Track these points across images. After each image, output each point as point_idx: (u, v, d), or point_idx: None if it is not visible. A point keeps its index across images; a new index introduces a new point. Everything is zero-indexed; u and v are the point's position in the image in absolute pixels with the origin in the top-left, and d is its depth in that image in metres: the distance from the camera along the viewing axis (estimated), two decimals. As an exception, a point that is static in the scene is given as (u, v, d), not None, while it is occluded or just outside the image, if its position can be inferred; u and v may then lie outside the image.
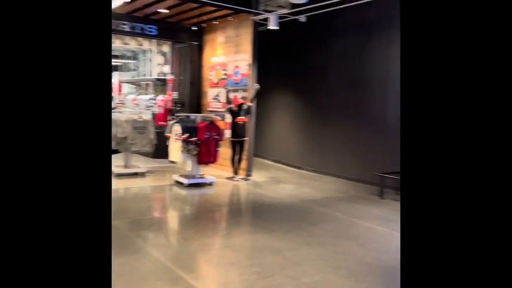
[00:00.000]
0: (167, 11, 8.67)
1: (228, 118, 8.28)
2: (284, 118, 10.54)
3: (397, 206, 6.48)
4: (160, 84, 10.75)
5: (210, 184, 7.57)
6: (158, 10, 8.60)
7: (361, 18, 8.22)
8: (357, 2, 7.37)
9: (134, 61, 13.84)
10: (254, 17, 8.25)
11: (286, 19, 8.49)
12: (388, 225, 5.37)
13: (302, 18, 8.35)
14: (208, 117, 7.90)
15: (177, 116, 7.82)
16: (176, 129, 7.34)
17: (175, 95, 10.21)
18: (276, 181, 8.38)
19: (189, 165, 7.60)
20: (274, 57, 10.29)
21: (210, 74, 9.81)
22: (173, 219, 5.82)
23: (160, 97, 10.12)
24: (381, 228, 5.21)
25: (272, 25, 7.80)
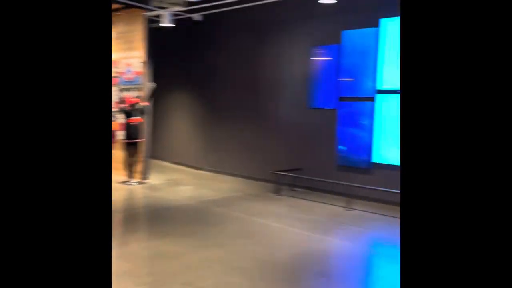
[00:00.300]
0: (47, 1, 7.86)
1: (121, 118, 7.83)
2: (182, 118, 10.33)
3: (292, 202, 6.76)
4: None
5: (101, 189, 7.06)
6: None
7: (254, 20, 8.41)
8: (249, 4, 7.50)
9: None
10: (145, 13, 7.91)
11: (181, 16, 8.32)
12: (284, 221, 5.56)
13: (198, 16, 8.26)
14: (98, 118, 7.35)
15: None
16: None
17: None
18: (175, 183, 8.16)
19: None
20: (171, 55, 10.02)
21: (100, 72, 9.16)
22: (57, 230, 5.29)
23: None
24: (277, 225, 5.37)
25: (166, 23, 7.56)
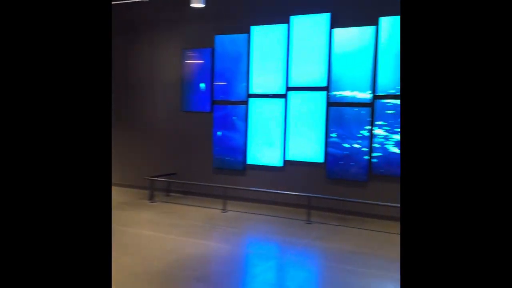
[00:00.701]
0: None
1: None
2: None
3: (167, 208, 6.57)
4: None
5: None
6: None
7: (125, 19, 7.97)
8: (119, 2, 7.08)
9: None
10: None
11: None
12: (158, 228, 5.35)
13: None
14: None
15: None
16: None
17: None
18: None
19: None
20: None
21: None
22: None
23: None
24: (151, 233, 5.14)
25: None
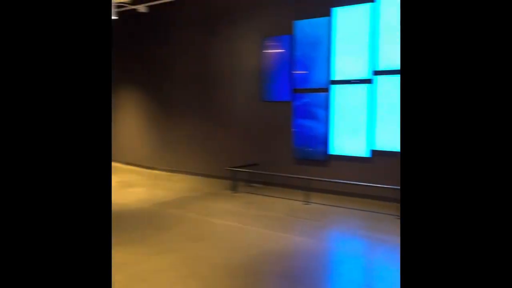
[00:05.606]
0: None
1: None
2: (131, 117, 9.83)
3: (249, 198, 6.55)
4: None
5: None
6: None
7: (204, 10, 8.07)
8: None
9: None
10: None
11: (125, 8, 7.83)
12: (240, 219, 5.33)
13: (143, 8, 7.81)
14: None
15: None
16: None
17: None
18: (126, 185, 7.71)
19: None
20: (116, 50, 9.47)
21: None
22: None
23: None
24: (233, 224, 5.14)
25: (108, 14, 7.06)
